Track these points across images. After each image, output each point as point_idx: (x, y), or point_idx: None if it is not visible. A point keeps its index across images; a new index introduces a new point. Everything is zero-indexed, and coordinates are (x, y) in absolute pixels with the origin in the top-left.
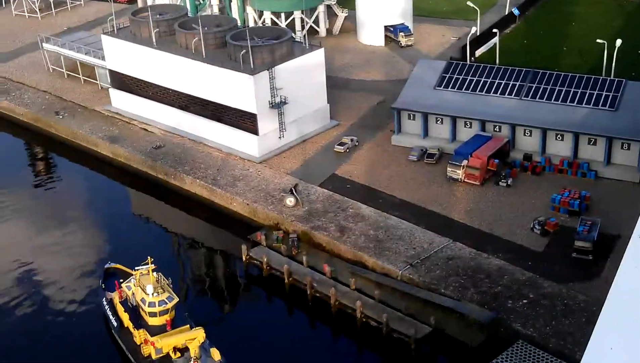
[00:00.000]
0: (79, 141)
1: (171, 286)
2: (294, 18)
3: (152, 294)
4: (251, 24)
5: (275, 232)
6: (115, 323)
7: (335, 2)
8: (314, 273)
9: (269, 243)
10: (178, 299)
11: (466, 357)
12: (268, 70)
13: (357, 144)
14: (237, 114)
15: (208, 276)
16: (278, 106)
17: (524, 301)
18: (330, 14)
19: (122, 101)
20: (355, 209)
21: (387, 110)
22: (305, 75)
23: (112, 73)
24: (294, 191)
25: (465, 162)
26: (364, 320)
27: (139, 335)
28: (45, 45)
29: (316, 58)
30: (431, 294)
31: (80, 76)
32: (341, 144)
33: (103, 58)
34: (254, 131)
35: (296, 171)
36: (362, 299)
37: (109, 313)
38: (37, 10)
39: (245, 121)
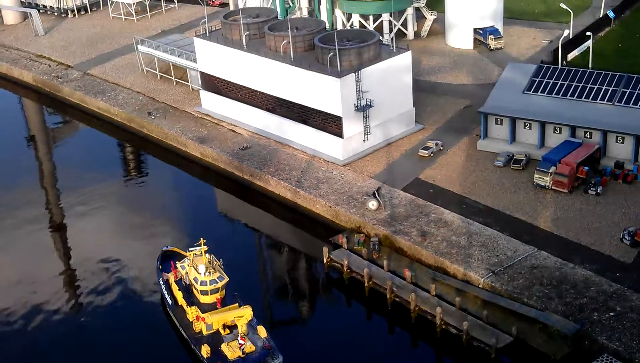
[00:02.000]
0: (170, 141)
1: (222, 267)
2: (382, 21)
3: (204, 273)
4: (339, 26)
5: (356, 235)
6: (170, 301)
7: (424, 5)
8: (394, 278)
9: (350, 246)
10: (228, 279)
11: None
12: (355, 73)
13: (442, 148)
14: (322, 116)
15: (288, 276)
16: (363, 109)
17: (611, 313)
18: (419, 17)
19: (212, 103)
20: (437, 214)
21: (474, 114)
22: (391, 78)
23: (203, 75)
24: (376, 195)
25: (553, 169)
26: (444, 327)
27: (192, 312)
28: (140, 47)
29: (403, 61)
30: (514, 303)
31: (173, 78)
32: (426, 148)
33: (195, 60)
34: (339, 134)
35: (379, 174)
36: (443, 306)
37: (165, 292)
38: (133, 13)
39: (330, 124)
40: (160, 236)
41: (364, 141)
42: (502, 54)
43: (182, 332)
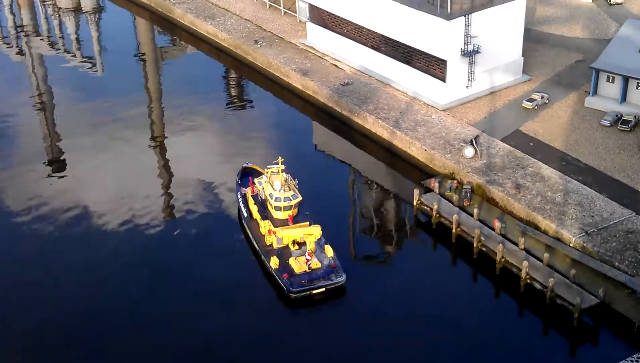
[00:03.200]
0: (273, 70)
1: (297, 186)
2: None
3: (279, 190)
4: None
5: (449, 181)
6: (245, 214)
7: None
8: (482, 227)
9: (441, 191)
10: (302, 198)
11: (631, 336)
12: (465, 16)
13: (547, 102)
14: (427, 58)
15: (376, 214)
16: (470, 54)
17: None
18: None
19: (318, 36)
20: (535, 168)
21: (585, 70)
22: (502, 25)
23: (312, 7)
24: (474, 143)
25: None
26: (529, 281)
27: (264, 226)
28: None
29: (516, 8)
30: (604, 265)
31: (281, 8)
32: (530, 100)
33: None
34: (442, 78)
35: (479, 122)
36: (530, 260)
37: (242, 205)
38: None
39: (434, 67)
40: (252, 159)
41: (467, 87)
42: (622, 10)
43: (255, 243)
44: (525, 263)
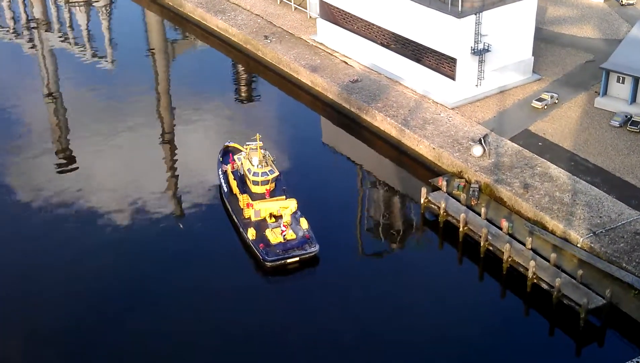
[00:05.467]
0: (282, 66)
1: (275, 162)
2: None
3: (257, 166)
4: None
5: (457, 180)
6: (225, 189)
7: None
8: (490, 226)
9: (449, 189)
10: (278, 173)
11: (638, 337)
12: (476, 14)
13: (556, 101)
14: (436, 56)
15: (383, 210)
16: (480, 52)
17: None
18: None
19: (327, 32)
20: (543, 168)
21: (595, 70)
22: (513, 24)
23: (322, 3)
24: (482, 142)
25: None
26: (535, 281)
27: (243, 199)
28: None
29: (527, 7)
30: (611, 266)
31: (292, 4)
32: (540, 99)
33: None
34: (452, 76)
35: (488, 121)
36: (537, 260)
37: (222, 181)
38: None
39: (444, 65)
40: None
41: (476, 85)
42: (634, 10)
43: (234, 217)
44: (532, 263)
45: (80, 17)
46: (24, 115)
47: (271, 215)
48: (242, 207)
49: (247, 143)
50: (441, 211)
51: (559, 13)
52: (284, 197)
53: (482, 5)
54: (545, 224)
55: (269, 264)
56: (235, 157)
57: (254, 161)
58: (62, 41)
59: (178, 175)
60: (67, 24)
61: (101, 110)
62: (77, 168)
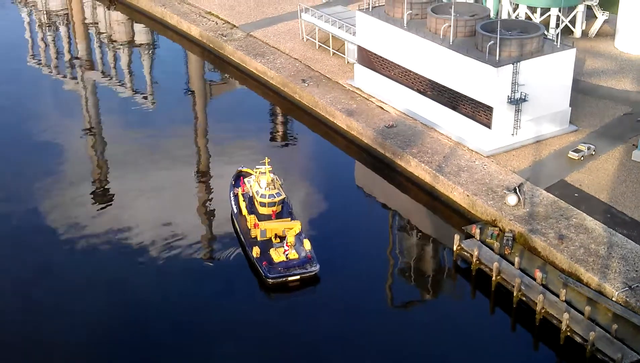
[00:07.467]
0: (319, 109)
1: (283, 186)
2: (549, 15)
3: (265, 188)
4: (504, 16)
5: (491, 228)
6: (235, 210)
7: (596, 3)
8: (523, 276)
9: (482, 237)
10: (285, 196)
11: None
12: (513, 64)
13: (593, 153)
14: (473, 104)
15: (415, 257)
16: (517, 102)
17: None
18: (589, 15)
19: (364, 78)
20: (579, 219)
21: (633, 123)
22: (550, 74)
23: (360, 49)
24: (517, 191)
25: None
26: (569, 334)
27: (250, 220)
28: (303, 15)
29: (565, 58)
30: None
31: (330, 49)
32: (576, 151)
33: (354, 34)
34: (488, 125)
35: (523, 170)
36: (571, 312)
37: (233, 203)
38: None
39: (480, 113)
40: (294, 195)
41: (512, 134)
42: None
43: (242, 236)
44: (565, 315)
45: (123, 56)
46: (63, 149)
47: (276, 236)
48: (249, 227)
49: (257, 167)
50: (474, 259)
51: (597, 65)
52: (289, 219)
53: (520, 55)
54: (580, 276)
55: (270, 281)
56: (246, 180)
57: (262, 183)
58: (104, 79)
59: (209, 210)
60: (111, 63)
61: (139, 147)
62: (112, 202)
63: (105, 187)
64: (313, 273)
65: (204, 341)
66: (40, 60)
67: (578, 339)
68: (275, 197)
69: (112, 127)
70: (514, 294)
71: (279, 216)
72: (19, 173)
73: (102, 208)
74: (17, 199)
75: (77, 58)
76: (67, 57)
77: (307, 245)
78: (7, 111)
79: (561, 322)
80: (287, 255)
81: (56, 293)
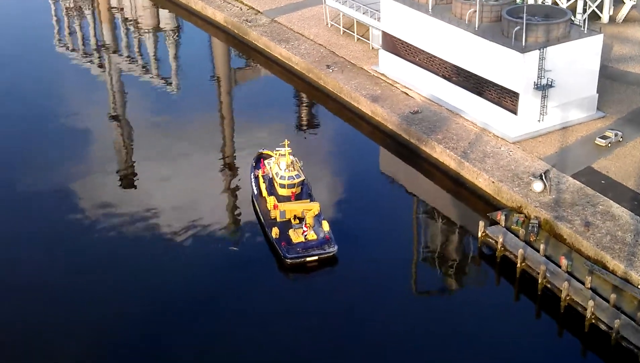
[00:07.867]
0: (343, 95)
1: (303, 168)
2: (576, 0)
3: (285, 170)
4: (531, 1)
5: (516, 215)
6: (255, 192)
7: None
8: (548, 263)
9: (507, 224)
10: (304, 178)
11: None
12: (539, 50)
13: (620, 140)
14: (499, 90)
15: (440, 243)
16: (543, 88)
17: None
18: (617, 1)
19: (389, 63)
20: (605, 206)
21: None
22: (577, 60)
23: (385, 35)
24: (543, 177)
25: None
26: (594, 321)
27: (270, 201)
28: (328, 0)
29: (593, 44)
30: None
31: (355, 34)
32: (604, 137)
33: (378, 19)
34: (514, 111)
35: (550, 157)
36: (596, 300)
37: (253, 184)
38: None
39: (506, 99)
40: (316, 179)
41: (538, 121)
42: None
43: (261, 217)
44: (591, 303)
45: (149, 42)
46: (89, 134)
47: (295, 217)
48: (269, 208)
49: (277, 149)
50: (499, 246)
51: (625, 51)
52: (308, 200)
53: (546, 41)
54: (606, 263)
55: (289, 261)
56: (266, 162)
57: (282, 165)
58: (129, 65)
59: (230, 192)
60: (136, 49)
61: (163, 131)
62: (137, 184)
63: (130, 170)
64: (331, 254)
65: (223, 319)
66: (68, 46)
67: (603, 327)
68: (294, 179)
69: (137, 112)
70: (539, 281)
71: (298, 197)
72: (46, 156)
73: (126, 191)
74: (44, 182)
75: (102, 44)
76: (92, 42)
77: (325, 226)
78: (38, 94)
79: (586, 310)
80: (305, 235)
81: (85, 271)
